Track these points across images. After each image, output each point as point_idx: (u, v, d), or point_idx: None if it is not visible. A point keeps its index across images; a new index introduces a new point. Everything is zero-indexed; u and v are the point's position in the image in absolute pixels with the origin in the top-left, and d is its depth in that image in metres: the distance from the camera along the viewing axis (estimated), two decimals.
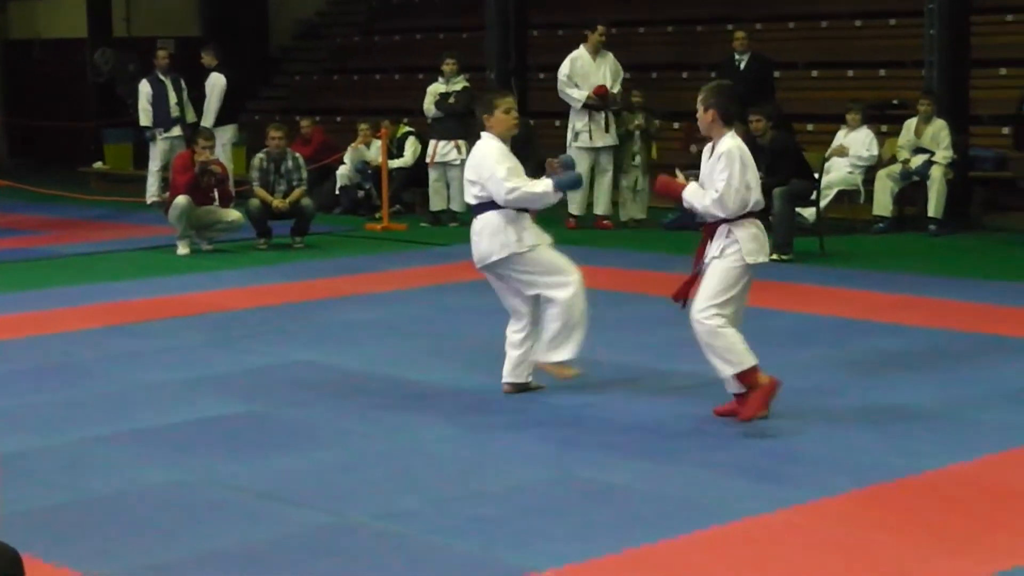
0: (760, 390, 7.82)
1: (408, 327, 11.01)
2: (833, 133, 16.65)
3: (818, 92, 19.68)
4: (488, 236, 8.62)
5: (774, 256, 13.82)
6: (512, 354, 8.73)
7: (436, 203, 17.52)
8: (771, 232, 14.04)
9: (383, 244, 16.06)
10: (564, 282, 8.58)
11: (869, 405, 8.20)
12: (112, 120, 24.34)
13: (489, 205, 8.61)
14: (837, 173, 15.96)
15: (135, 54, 23.27)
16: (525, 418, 8.18)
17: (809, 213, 15.17)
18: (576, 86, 16.45)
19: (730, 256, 7.89)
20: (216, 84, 19.06)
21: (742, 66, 17.11)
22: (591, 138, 16.48)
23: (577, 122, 16.55)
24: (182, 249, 15.20)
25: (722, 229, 7.90)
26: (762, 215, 8.16)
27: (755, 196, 7.89)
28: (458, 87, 17.39)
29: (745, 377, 7.83)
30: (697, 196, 7.98)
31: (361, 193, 18.94)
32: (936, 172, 15.59)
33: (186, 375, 9.40)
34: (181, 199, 15.03)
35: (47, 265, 14.74)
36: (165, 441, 7.82)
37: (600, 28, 16.71)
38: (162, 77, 19.50)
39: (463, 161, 17.07)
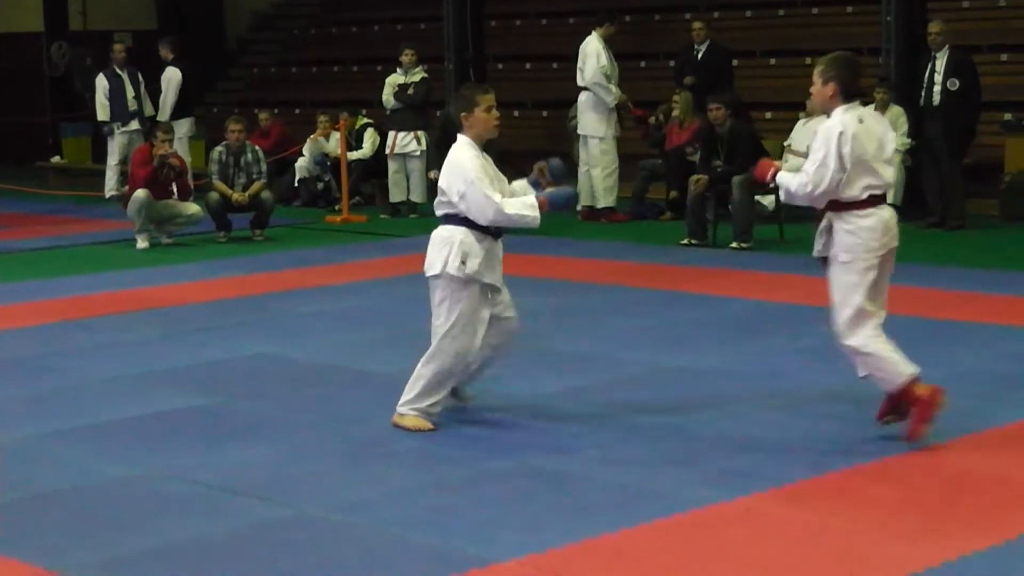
0: (920, 404, 7.16)
1: (367, 319, 10.98)
2: (792, 121, 16.68)
3: (776, 80, 19.69)
4: (438, 247, 7.77)
5: (734, 244, 13.93)
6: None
7: (396, 194, 17.47)
8: (731, 220, 14.16)
9: (343, 236, 16.02)
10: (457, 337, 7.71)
11: (826, 392, 8.21)
12: (69, 114, 24.21)
13: (458, 219, 7.72)
14: (796, 161, 15.97)
15: (91, 48, 23.14)
16: (482, 408, 8.15)
17: (768, 201, 15.20)
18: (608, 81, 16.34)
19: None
20: (172, 78, 19.01)
21: (700, 55, 17.11)
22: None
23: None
24: (141, 243, 15.11)
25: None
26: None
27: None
28: (416, 78, 17.33)
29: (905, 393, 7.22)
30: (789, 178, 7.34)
31: (320, 185, 18.90)
32: (895, 159, 15.59)
33: (143, 369, 9.35)
34: (140, 193, 14.95)
35: (4, 260, 14.64)
36: (121, 435, 7.77)
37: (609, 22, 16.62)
38: (119, 71, 19.39)
39: (423, 152, 17.06)
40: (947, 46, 14.92)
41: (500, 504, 6.47)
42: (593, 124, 16.38)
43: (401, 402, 7.75)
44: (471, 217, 7.62)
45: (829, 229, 7.30)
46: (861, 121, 7.24)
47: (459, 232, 7.66)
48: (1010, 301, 10.96)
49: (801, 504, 6.39)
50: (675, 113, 16.30)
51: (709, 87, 15.98)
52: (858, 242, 7.20)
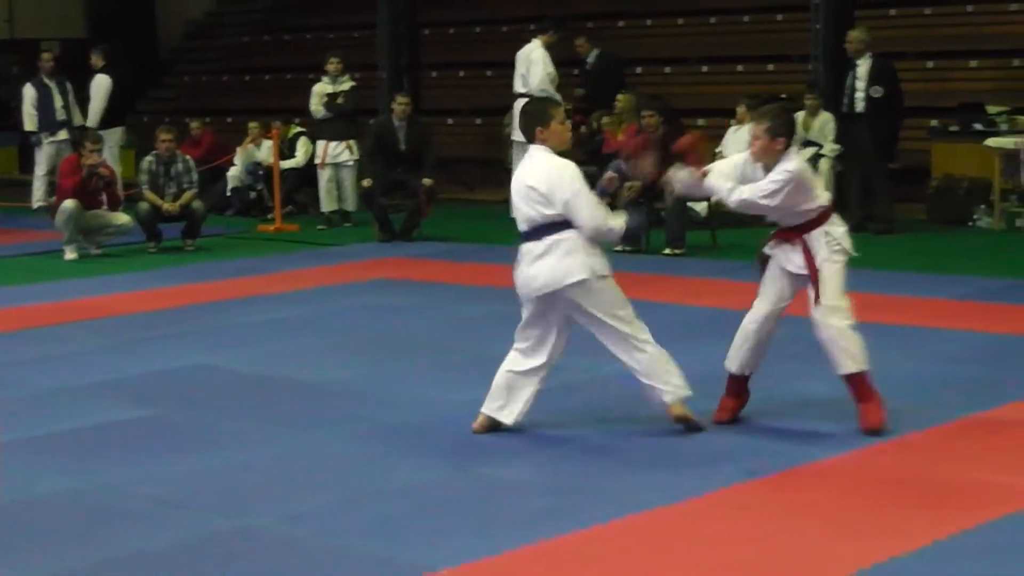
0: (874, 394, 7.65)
1: (304, 328, 10.98)
2: (724, 128, 16.81)
3: (708, 87, 19.85)
4: (563, 255, 7.52)
5: (667, 250, 14.02)
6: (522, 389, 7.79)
7: (328, 204, 17.42)
8: (663, 226, 14.25)
9: (276, 245, 15.99)
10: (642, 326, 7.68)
11: (763, 395, 8.27)
12: None
13: (563, 225, 7.53)
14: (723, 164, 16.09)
15: (19, 57, 22.97)
16: (424, 415, 8.18)
17: (701, 207, 15.30)
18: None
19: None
20: (101, 85, 18.85)
21: (588, 67, 17.06)
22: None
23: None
24: (70, 254, 14.99)
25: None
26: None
27: None
28: (345, 87, 17.32)
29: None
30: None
31: (253, 194, 18.85)
32: (824, 165, 15.80)
33: (79, 381, 9.30)
34: (68, 203, 14.85)
35: None
36: (62, 448, 7.73)
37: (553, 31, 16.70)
38: (47, 80, 19.22)
39: (356, 161, 17.04)
40: (868, 53, 15.07)
41: (445, 512, 6.50)
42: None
43: (668, 393, 7.62)
44: (576, 222, 7.49)
45: (801, 247, 7.66)
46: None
47: (573, 234, 7.51)
48: (940, 304, 11.10)
49: (742, 506, 6.45)
50: (615, 113, 16.36)
51: (597, 98, 16.17)
52: (841, 243, 7.68)
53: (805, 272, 7.64)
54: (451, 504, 6.61)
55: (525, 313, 7.80)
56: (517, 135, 16.49)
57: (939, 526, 6.09)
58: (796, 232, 7.70)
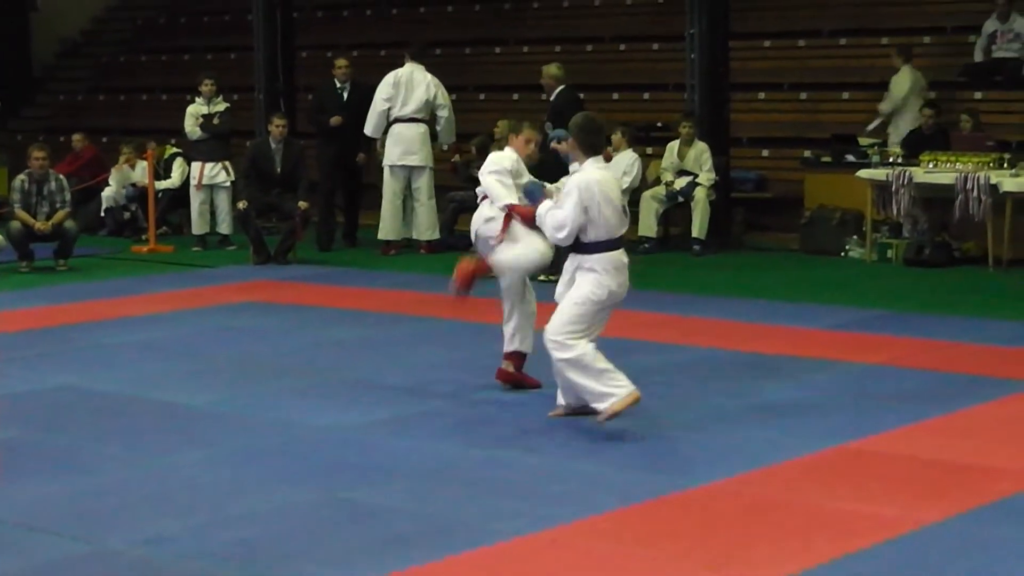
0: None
1: (172, 349, 10.84)
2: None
3: None
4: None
5: (542, 276, 14.01)
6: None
7: (200, 226, 17.23)
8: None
9: (149, 266, 15.81)
10: None
11: (632, 423, 8.29)
12: None
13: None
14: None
15: None
16: (290, 440, 8.10)
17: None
18: None
19: None
20: None
21: (345, 95, 17.03)
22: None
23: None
24: None
25: None
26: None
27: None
28: (220, 108, 17.17)
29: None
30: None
31: (127, 215, 18.64)
32: (699, 193, 15.90)
33: None
34: None
35: None
36: None
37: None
38: None
39: (232, 182, 16.89)
40: (559, 88, 15.69)
41: (306, 537, 6.41)
42: (427, 155, 16.42)
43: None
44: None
45: None
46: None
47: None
48: (810, 333, 11.19)
49: (608, 534, 6.43)
50: (496, 139, 16.35)
51: (354, 126, 16.33)
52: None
53: None
54: (312, 529, 6.52)
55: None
56: (389, 159, 16.43)
57: (806, 555, 6.11)
58: None
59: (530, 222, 8.79)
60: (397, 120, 16.34)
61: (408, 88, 16.39)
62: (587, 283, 8.18)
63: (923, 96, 16.88)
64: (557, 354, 8.12)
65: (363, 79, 16.92)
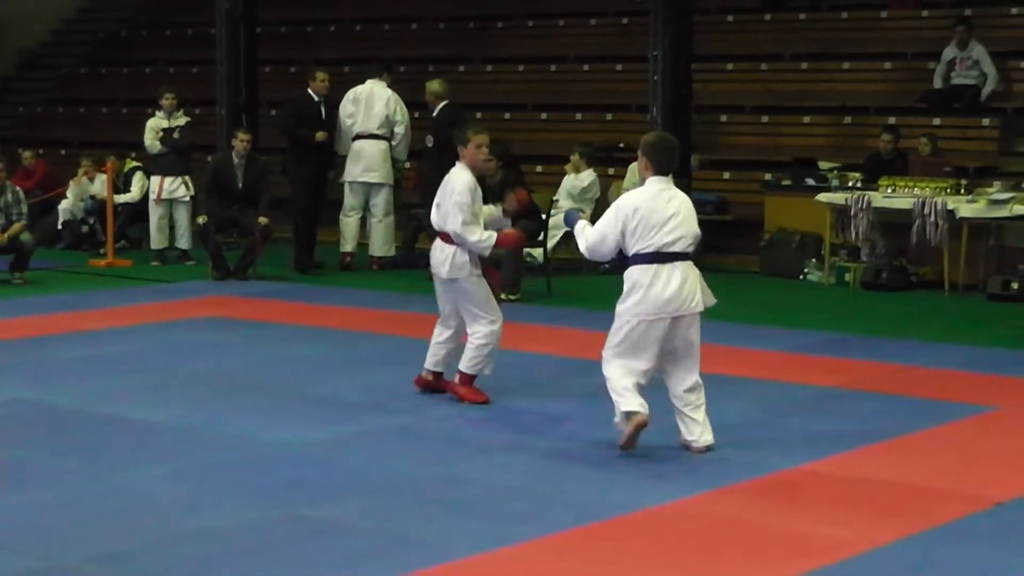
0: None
1: (130, 364, 10.80)
2: (561, 175, 16.91)
3: (547, 134, 19.97)
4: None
5: (502, 295, 14.03)
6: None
7: (159, 241, 17.18)
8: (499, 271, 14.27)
9: (107, 281, 15.75)
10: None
11: (591, 442, 8.31)
12: None
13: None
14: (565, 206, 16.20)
15: None
16: (248, 456, 8.07)
17: (537, 253, 15.37)
18: None
19: None
20: None
21: (323, 110, 16.96)
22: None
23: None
24: None
25: None
26: None
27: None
28: (180, 122, 17.14)
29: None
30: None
31: (85, 228, 18.56)
32: None
33: None
34: None
35: None
36: None
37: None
38: None
39: (193, 197, 16.84)
40: (441, 104, 15.91)
41: (263, 554, 6.40)
42: (387, 172, 16.44)
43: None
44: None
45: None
46: None
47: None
48: (768, 355, 11.24)
49: (564, 553, 6.44)
50: None
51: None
52: None
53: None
54: (266, 546, 6.50)
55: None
56: (350, 175, 16.44)
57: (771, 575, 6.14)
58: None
59: (517, 243, 9.91)
60: (359, 136, 16.38)
61: (368, 104, 16.43)
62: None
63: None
64: None
65: (330, 95, 16.87)
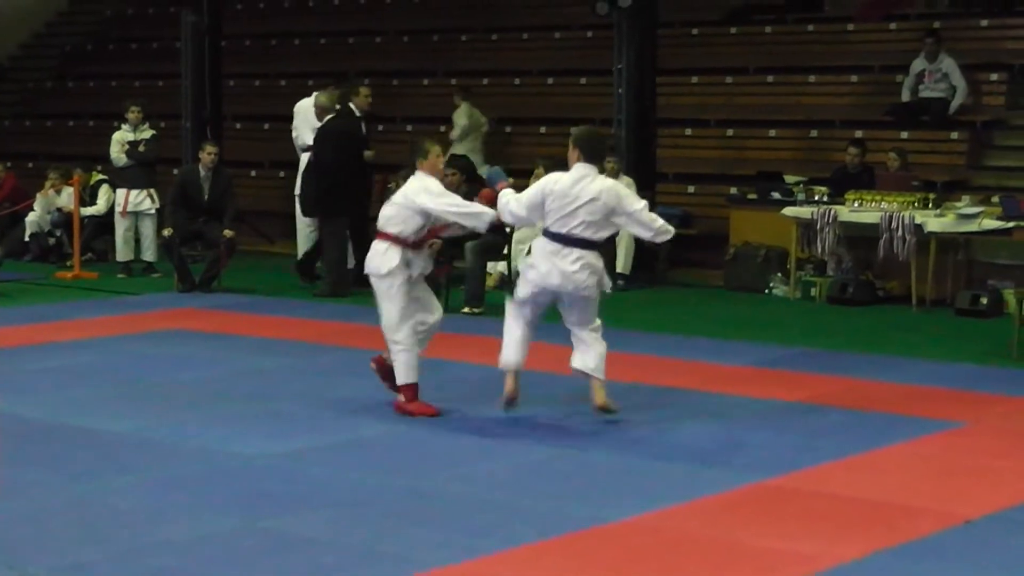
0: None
1: (95, 376, 10.78)
2: (525, 188, 16.86)
3: (511, 147, 19.98)
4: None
5: (465, 309, 14.05)
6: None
7: (125, 253, 17.14)
8: (463, 284, 14.28)
9: (73, 293, 15.70)
10: None
11: (555, 455, 8.32)
12: None
13: None
14: (529, 229, 16.17)
15: None
16: (212, 468, 8.06)
17: (502, 266, 15.35)
18: None
19: None
20: None
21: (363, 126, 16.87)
22: None
23: None
24: None
25: None
26: None
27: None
28: (146, 135, 17.10)
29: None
30: None
31: (52, 240, 18.52)
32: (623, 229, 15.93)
33: None
34: None
35: None
36: None
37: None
38: None
39: (158, 210, 16.81)
40: (329, 116, 15.81)
41: (227, 566, 6.39)
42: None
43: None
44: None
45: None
46: None
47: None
48: (732, 370, 11.25)
49: (529, 566, 6.44)
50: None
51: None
52: None
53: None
54: (232, 559, 6.49)
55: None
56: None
57: None
58: None
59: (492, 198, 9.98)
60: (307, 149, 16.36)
61: (306, 118, 16.43)
62: None
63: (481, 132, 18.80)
64: None
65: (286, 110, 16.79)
